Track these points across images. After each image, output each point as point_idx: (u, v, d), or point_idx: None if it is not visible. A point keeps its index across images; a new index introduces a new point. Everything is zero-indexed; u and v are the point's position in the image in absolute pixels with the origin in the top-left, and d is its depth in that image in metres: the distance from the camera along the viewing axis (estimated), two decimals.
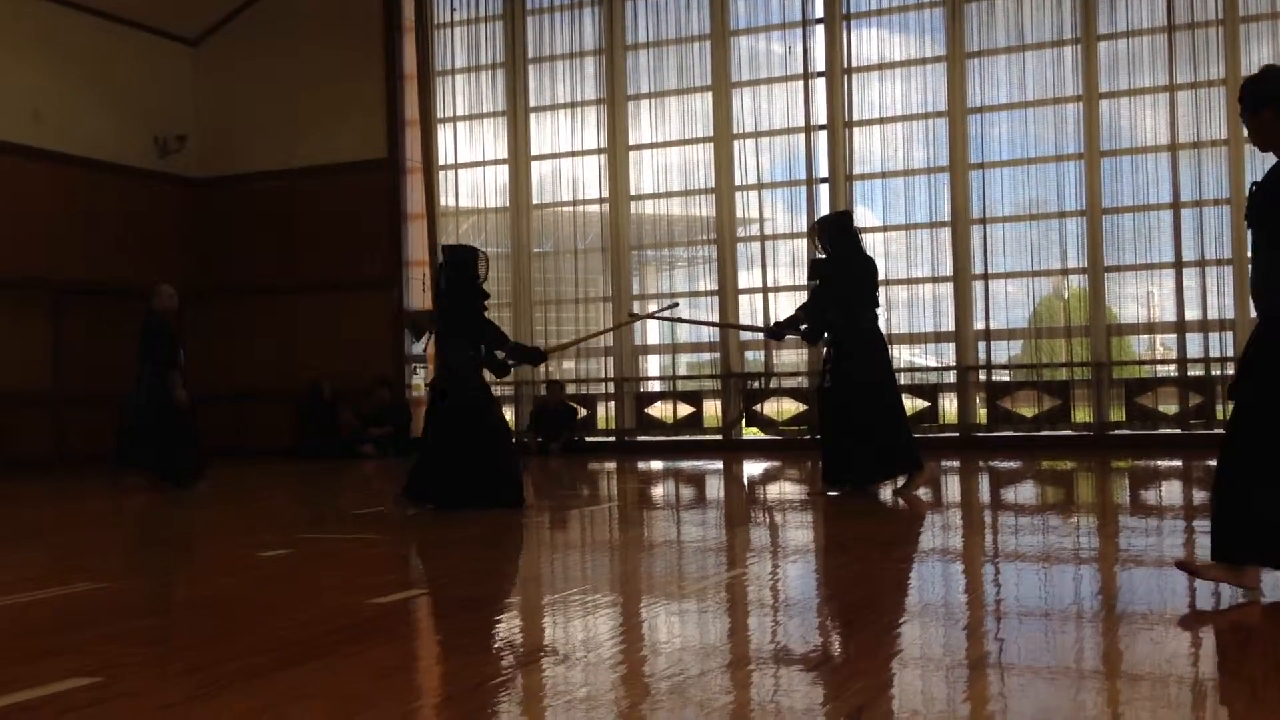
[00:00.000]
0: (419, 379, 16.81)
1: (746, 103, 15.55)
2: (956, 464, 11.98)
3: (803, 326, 9.10)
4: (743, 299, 15.56)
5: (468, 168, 16.86)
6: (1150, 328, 14.44)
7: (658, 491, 10.72)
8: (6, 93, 15.10)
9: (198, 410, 11.46)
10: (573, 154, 16.35)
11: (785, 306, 15.34)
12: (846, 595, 5.15)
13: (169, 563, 6.93)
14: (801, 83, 15.21)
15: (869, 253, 9.20)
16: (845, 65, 15.02)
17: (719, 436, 15.59)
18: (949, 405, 14.75)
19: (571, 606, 4.85)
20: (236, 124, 17.44)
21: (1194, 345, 13.77)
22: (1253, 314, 4.60)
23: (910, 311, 14.86)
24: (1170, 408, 13.82)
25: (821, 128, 15.16)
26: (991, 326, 14.55)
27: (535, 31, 16.43)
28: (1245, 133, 4.70)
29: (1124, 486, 9.98)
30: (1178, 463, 11.49)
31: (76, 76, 15.94)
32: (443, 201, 16.82)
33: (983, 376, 14.59)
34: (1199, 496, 8.63)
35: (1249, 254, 4.62)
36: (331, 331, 16.72)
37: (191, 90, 17.68)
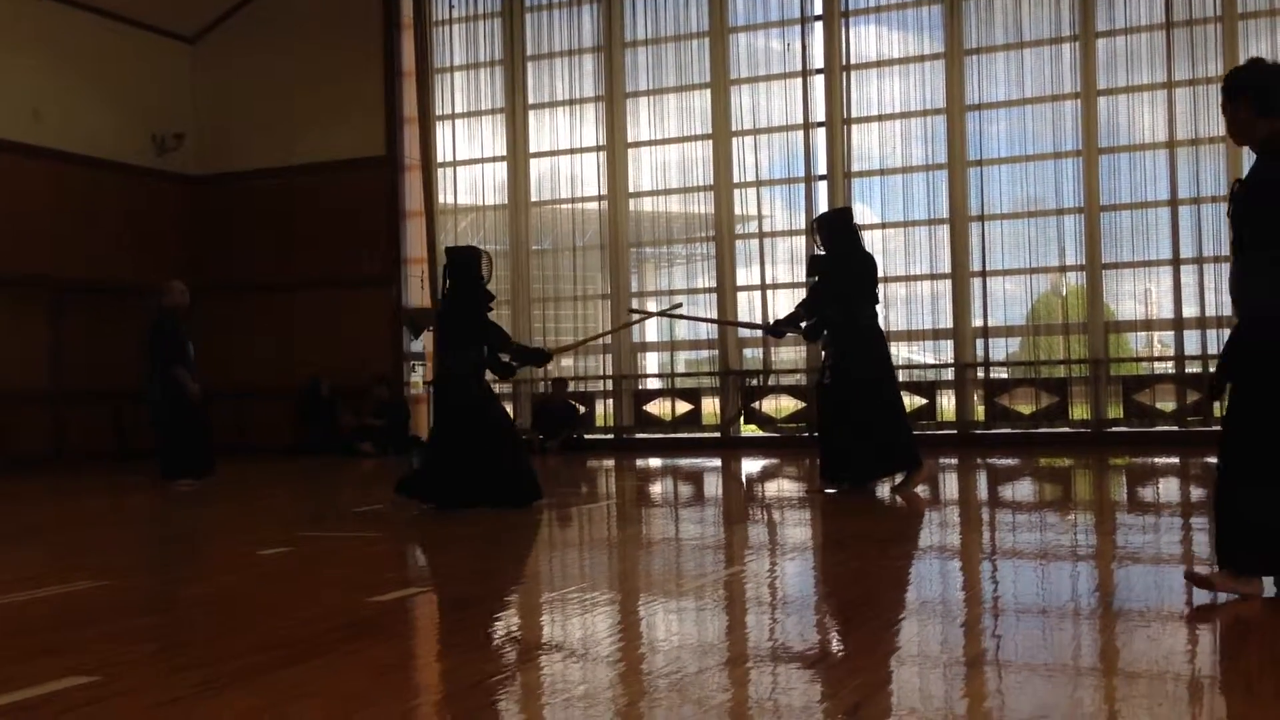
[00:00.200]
0: (417, 376, 16.82)
1: (745, 100, 15.55)
2: (954, 461, 11.99)
3: (802, 324, 9.11)
4: (741, 296, 15.56)
5: (466, 165, 16.85)
6: (1148, 325, 14.44)
7: (656, 489, 10.73)
8: (5, 91, 15.09)
9: (199, 406, 11.47)
10: (571, 151, 16.35)
11: (784, 303, 15.35)
12: (844, 593, 5.16)
13: (168, 561, 6.93)
14: (800, 80, 15.21)
15: (868, 249, 9.21)
16: (844, 62, 15.02)
17: (717, 434, 15.59)
18: (947, 402, 14.75)
19: (570, 604, 4.86)
20: (235, 121, 17.44)
21: (1192, 342, 13.78)
22: None
23: (908, 308, 14.86)
24: (1168, 405, 13.83)
25: (820, 125, 15.16)
26: (989, 323, 14.56)
27: (534, 28, 16.42)
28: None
29: (1121, 483, 9.99)
30: (1175, 460, 11.50)
31: (75, 74, 15.94)
32: (441, 199, 16.82)
33: (980, 374, 14.60)
34: (1196, 493, 8.65)
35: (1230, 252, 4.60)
36: (330, 329, 16.72)
37: (190, 88, 17.67)
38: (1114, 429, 13.99)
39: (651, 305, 16.21)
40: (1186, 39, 13.60)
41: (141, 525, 8.89)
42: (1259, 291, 4.34)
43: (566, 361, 16.43)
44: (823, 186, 15.16)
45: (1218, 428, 4.64)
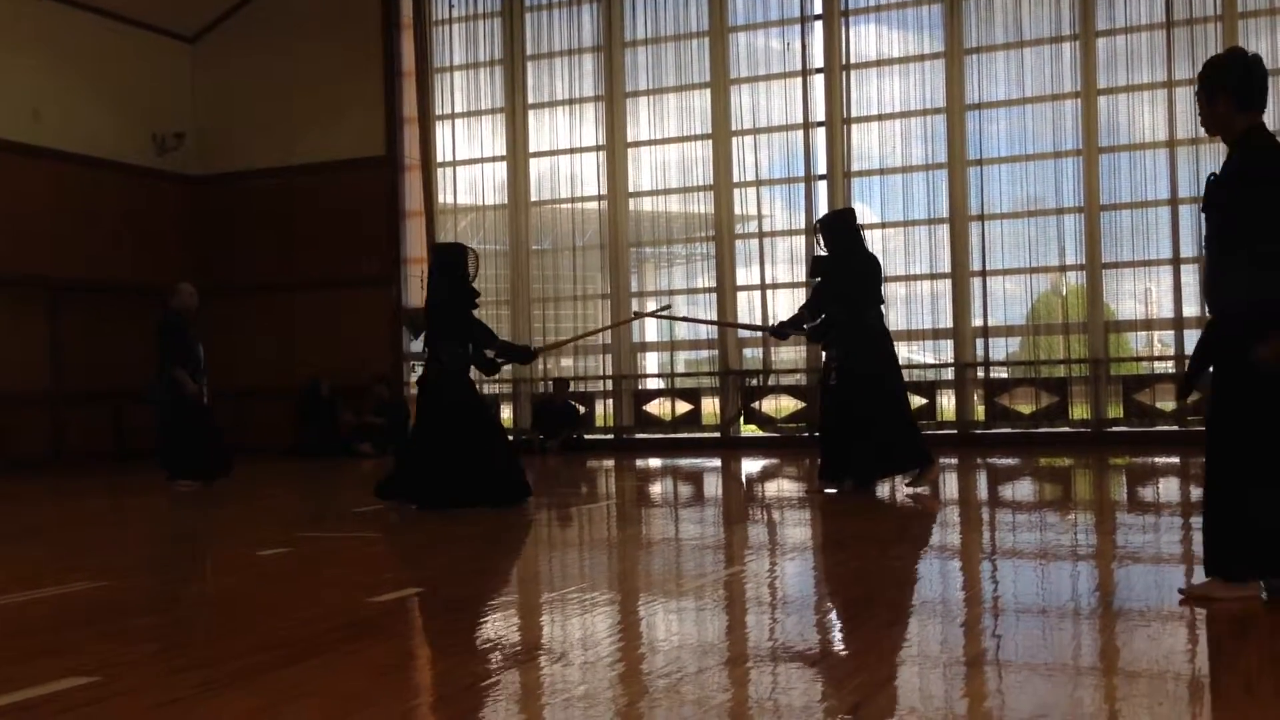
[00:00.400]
0: (418, 375, 16.80)
1: (745, 99, 15.54)
2: (954, 461, 11.98)
3: (805, 325, 9.12)
4: (741, 296, 15.56)
5: (466, 165, 16.85)
6: (1148, 324, 14.43)
7: (656, 489, 10.73)
8: (5, 90, 15.08)
9: (205, 408, 11.51)
10: (571, 151, 16.34)
11: (784, 303, 15.37)
12: (844, 592, 5.16)
13: (168, 561, 6.93)
14: (800, 79, 15.20)
15: (870, 249, 9.20)
16: (844, 62, 15.01)
17: (717, 434, 15.58)
18: (947, 402, 14.75)
19: (569, 604, 4.85)
20: (235, 121, 17.43)
21: (1192, 342, 13.62)
22: None
23: (908, 308, 14.85)
24: (1168, 404, 13.82)
25: (820, 124, 15.15)
26: (989, 323, 14.55)
27: (533, 28, 16.41)
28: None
29: (1121, 483, 9.99)
30: (1175, 459, 11.50)
31: (75, 74, 15.93)
32: (441, 199, 16.81)
33: (980, 373, 14.59)
34: (1196, 493, 8.64)
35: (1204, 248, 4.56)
36: (330, 329, 16.71)
37: (190, 88, 17.67)
38: (1114, 429, 13.99)
39: (651, 305, 16.19)
40: (1187, 38, 13.59)
41: (141, 525, 8.88)
42: (1234, 290, 4.29)
43: (567, 361, 16.44)
44: (823, 186, 15.16)
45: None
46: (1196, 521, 6.75)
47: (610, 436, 15.99)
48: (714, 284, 15.65)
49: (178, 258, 16.82)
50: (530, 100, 16.45)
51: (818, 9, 15.15)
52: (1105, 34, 14.10)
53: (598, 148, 16.06)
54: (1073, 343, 14.28)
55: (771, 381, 15.49)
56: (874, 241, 14.41)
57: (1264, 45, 13.41)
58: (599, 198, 16.08)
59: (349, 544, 7.09)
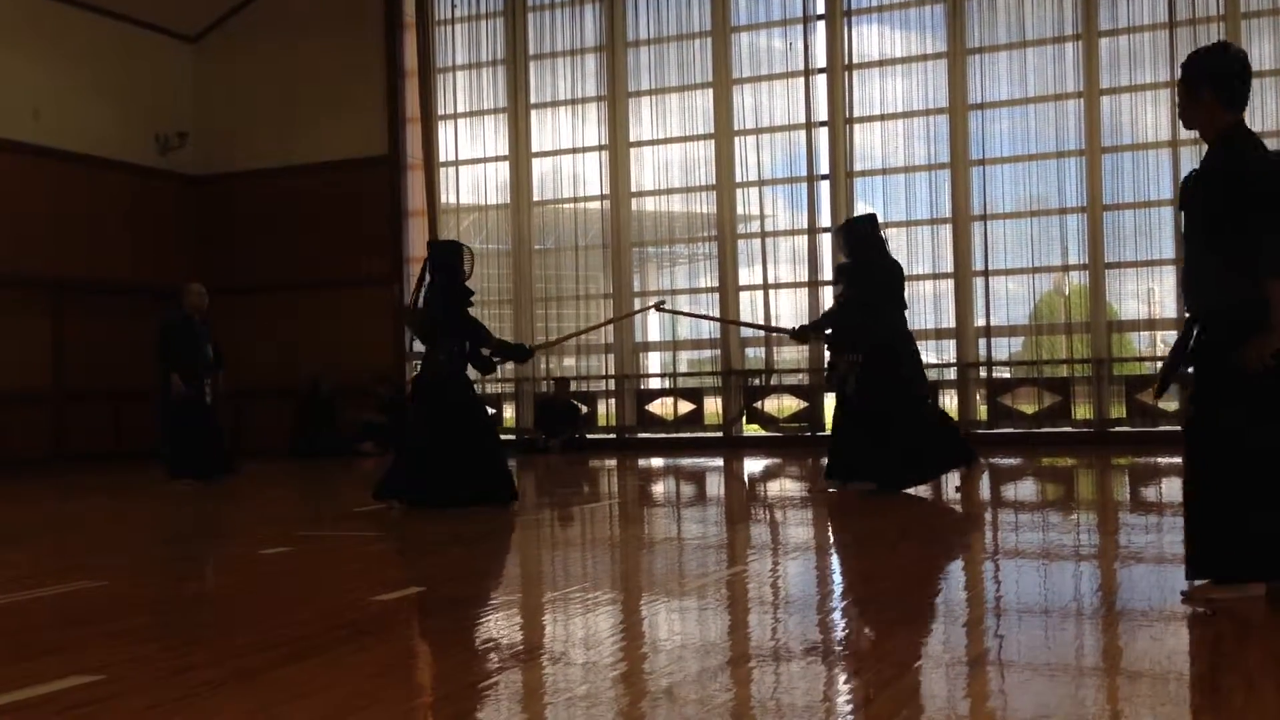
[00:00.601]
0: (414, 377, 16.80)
1: (747, 99, 15.54)
2: None
3: (828, 331, 9.14)
4: (743, 296, 15.55)
5: (469, 164, 16.85)
6: (1151, 324, 14.42)
7: (658, 489, 10.72)
8: (6, 90, 15.09)
9: (206, 408, 11.55)
10: (573, 151, 16.33)
11: (786, 303, 15.37)
12: (847, 592, 5.15)
13: (168, 561, 6.92)
14: (802, 79, 15.20)
15: (892, 254, 9.19)
16: (846, 61, 15.01)
17: (719, 433, 15.58)
18: (949, 401, 14.71)
19: (571, 604, 4.85)
20: (237, 121, 17.44)
21: None
22: None
23: (911, 308, 14.75)
24: (1171, 404, 13.80)
25: (822, 124, 15.15)
26: (992, 323, 14.54)
27: (536, 28, 16.42)
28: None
29: (1124, 483, 9.98)
30: (1178, 459, 11.46)
31: (76, 73, 15.94)
32: (443, 198, 16.81)
33: (983, 373, 14.58)
34: None
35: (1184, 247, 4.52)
36: (332, 329, 16.71)
37: (192, 87, 17.68)
38: (1117, 428, 13.97)
39: (644, 309, 16.15)
40: (1189, 38, 13.56)
41: (141, 525, 8.88)
42: (1214, 290, 4.27)
43: (569, 361, 16.44)
44: (825, 186, 15.15)
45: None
46: None
47: (612, 436, 15.98)
48: (716, 284, 15.64)
49: (179, 257, 16.83)
50: (533, 100, 16.45)
51: (820, 9, 15.15)
52: (1108, 34, 14.09)
53: (600, 147, 16.06)
54: (1075, 342, 14.27)
55: (774, 381, 15.48)
56: None
57: (1266, 45, 13.40)
58: (601, 197, 16.08)
59: (349, 544, 7.09)
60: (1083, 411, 14.18)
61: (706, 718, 3.10)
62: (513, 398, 16.51)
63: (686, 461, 13.39)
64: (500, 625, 4.57)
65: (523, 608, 4.98)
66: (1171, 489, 9.48)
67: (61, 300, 15.68)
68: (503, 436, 13.38)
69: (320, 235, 16.86)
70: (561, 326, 16.10)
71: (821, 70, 15.14)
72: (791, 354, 15.60)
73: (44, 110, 15.41)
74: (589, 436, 15.82)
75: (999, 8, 14.49)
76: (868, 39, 15.16)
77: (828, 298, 15.00)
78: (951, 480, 9.07)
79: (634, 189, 16.09)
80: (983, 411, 14.51)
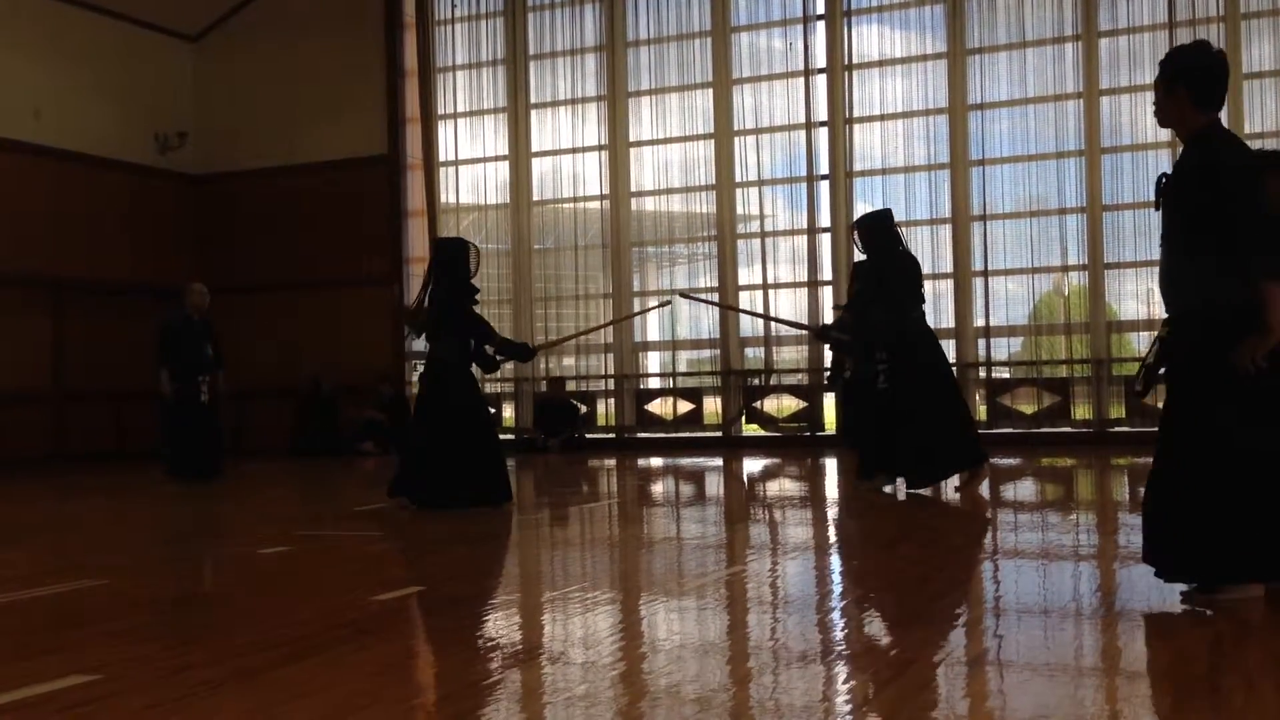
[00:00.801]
0: (419, 374, 16.81)
1: (747, 99, 15.54)
2: None
3: (847, 332, 9.13)
4: (743, 296, 15.54)
5: (468, 164, 16.85)
6: (1150, 324, 14.36)
7: (657, 488, 10.72)
8: (7, 89, 15.09)
9: (202, 407, 11.57)
10: (573, 150, 16.34)
11: (785, 303, 15.37)
12: (846, 592, 5.15)
13: (168, 561, 6.92)
14: (802, 79, 15.20)
15: (909, 249, 9.18)
16: (846, 61, 15.01)
17: (719, 433, 15.58)
18: None
19: (571, 604, 4.85)
20: (237, 121, 17.43)
21: None
22: None
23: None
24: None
25: (822, 124, 15.15)
26: (991, 323, 14.54)
27: (536, 28, 16.42)
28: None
29: (1123, 483, 9.98)
30: None
31: (77, 73, 15.94)
32: (443, 198, 16.81)
33: (983, 373, 14.58)
34: None
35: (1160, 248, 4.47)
36: (332, 329, 16.71)
37: (192, 87, 17.68)
38: (1116, 429, 13.97)
39: (652, 304, 16.17)
40: (1189, 38, 13.47)
41: (141, 525, 8.88)
42: (1194, 290, 4.27)
43: (569, 360, 16.45)
44: (825, 186, 15.16)
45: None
46: None
47: (612, 436, 15.99)
48: (716, 283, 15.65)
49: (180, 257, 16.83)
50: (533, 100, 16.45)
51: (820, 9, 15.16)
52: (1108, 34, 14.10)
53: (600, 147, 16.06)
54: (1075, 343, 14.27)
55: (773, 381, 15.48)
56: None
57: (1266, 46, 13.40)
58: (601, 197, 16.08)
59: (349, 543, 7.09)
60: (1082, 412, 14.18)
61: (705, 718, 3.10)
62: (512, 397, 16.52)
63: (686, 461, 13.39)
64: (500, 625, 4.58)
65: (522, 607, 4.98)
66: None
67: (61, 300, 15.69)
68: (502, 436, 13.37)
69: (320, 235, 16.86)
70: (561, 327, 16.10)
71: (821, 70, 15.15)
72: (791, 354, 15.61)
73: (44, 110, 15.41)
74: (589, 436, 15.83)
75: (999, 8, 14.50)
76: (867, 39, 15.17)
77: (827, 298, 15.02)
78: (952, 480, 9.06)
79: (634, 189, 16.10)
80: (982, 411, 14.50)
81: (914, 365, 8.51)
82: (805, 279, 15.25)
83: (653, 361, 16.99)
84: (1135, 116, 14.10)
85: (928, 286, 14.64)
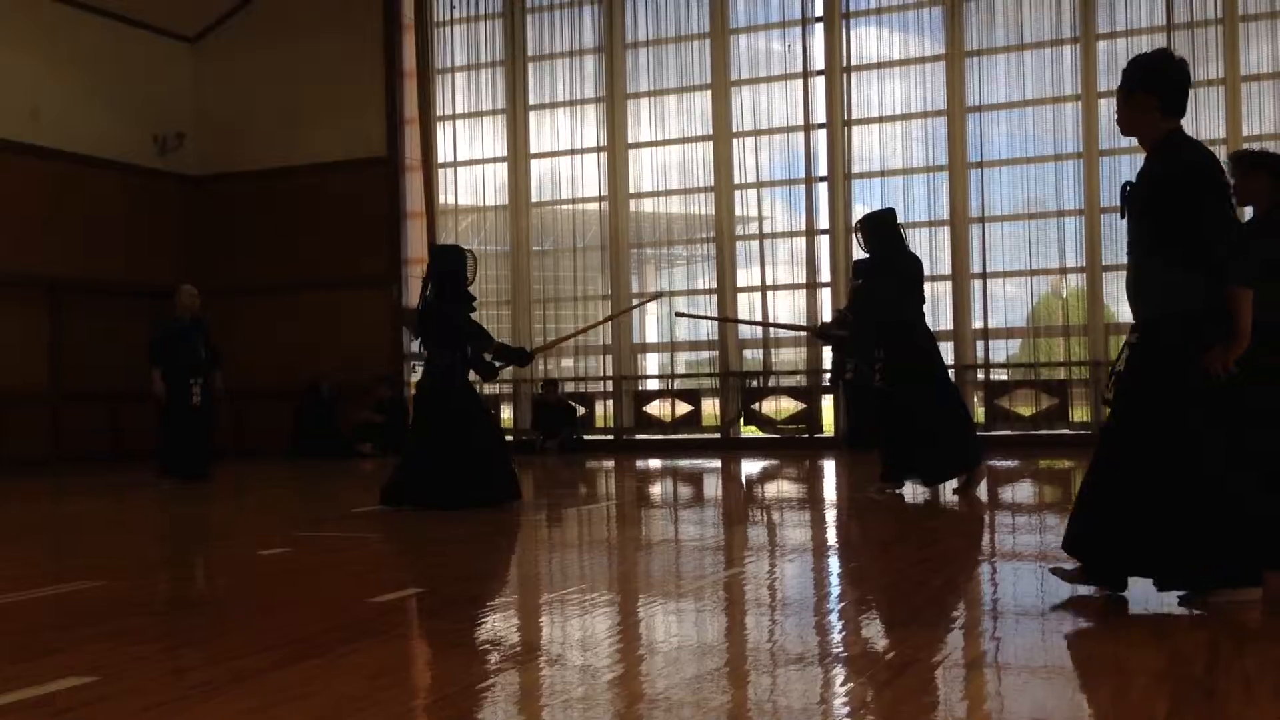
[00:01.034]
0: (418, 377, 16.80)
1: (746, 101, 15.55)
2: None
3: (847, 330, 9.13)
4: (741, 297, 15.56)
5: (467, 165, 16.85)
6: None
7: (656, 490, 10.73)
8: (5, 90, 15.08)
9: (197, 409, 11.59)
10: (572, 152, 16.35)
11: (784, 305, 15.38)
12: (844, 595, 5.15)
13: (167, 561, 6.93)
14: (801, 81, 15.21)
15: (911, 249, 9.19)
16: (844, 64, 15.02)
17: (717, 435, 15.59)
18: None
19: (569, 605, 4.85)
20: (236, 121, 17.43)
21: None
22: None
23: None
24: None
25: (820, 126, 15.16)
26: (989, 325, 14.55)
27: (535, 29, 16.42)
28: (1189, 116, 4.54)
29: None
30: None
31: (75, 73, 15.93)
32: (442, 199, 16.82)
33: (980, 375, 14.59)
34: None
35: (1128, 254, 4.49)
36: (331, 329, 16.71)
37: (191, 88, 17.67)
38: None
39: (651, 305, 16.17)
40: (1188, 41, 13.58)
41: (140, 525, 8.88)
42: (1160, 296, 4.29)
43: (567, 362, 16.45)
44: (823, 188, 15.17)
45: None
46: None
47: (610, 437, 15.99)
48: (714, 285, 15.66)
49: (178, 258, 16.82)
50: (531, 101, 16.46)
51: (818, 11, 15.17)
52: (1106, 37, 14.11)
53: (598, 149, 16.07)
54: (1073, 345, 14.29)
55: (772, 383, 15.49)
56: None
57: (1265, 48, 13.42)
58: (600, 199, 16.09)
59: (349, 544, 7.09)
60: (1080, 414, 14.19)
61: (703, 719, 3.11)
62: (510, 399, 16.52)
63: (684, 463, 13.39)
64: (498, 626, 4.58)
65: (521, 609, 4.98)
66: None
67: (59, 301, 15.67)
68: None
69: (319, 235, 16.86)
70: (560, 328, 16.10)
71: (820, 72, 15.16)
72: (789, 356, 15.62)
73: (43, 110, 15.40)
74: (587, 438, 15.82)
75: (997, 10, 14.51)
76: (866, 41, 15.18)
77: (826, 299, 15.03)
78: (950, 482, 9.06)
79: (632, 190, 16.11)
80: (980, 414, 14.50)
81: (913, 365, 8.52)
82: (804, 281, 15.25)
83: (651, 363, 17.00)
84: None
85: (926, 289, 14.77)
